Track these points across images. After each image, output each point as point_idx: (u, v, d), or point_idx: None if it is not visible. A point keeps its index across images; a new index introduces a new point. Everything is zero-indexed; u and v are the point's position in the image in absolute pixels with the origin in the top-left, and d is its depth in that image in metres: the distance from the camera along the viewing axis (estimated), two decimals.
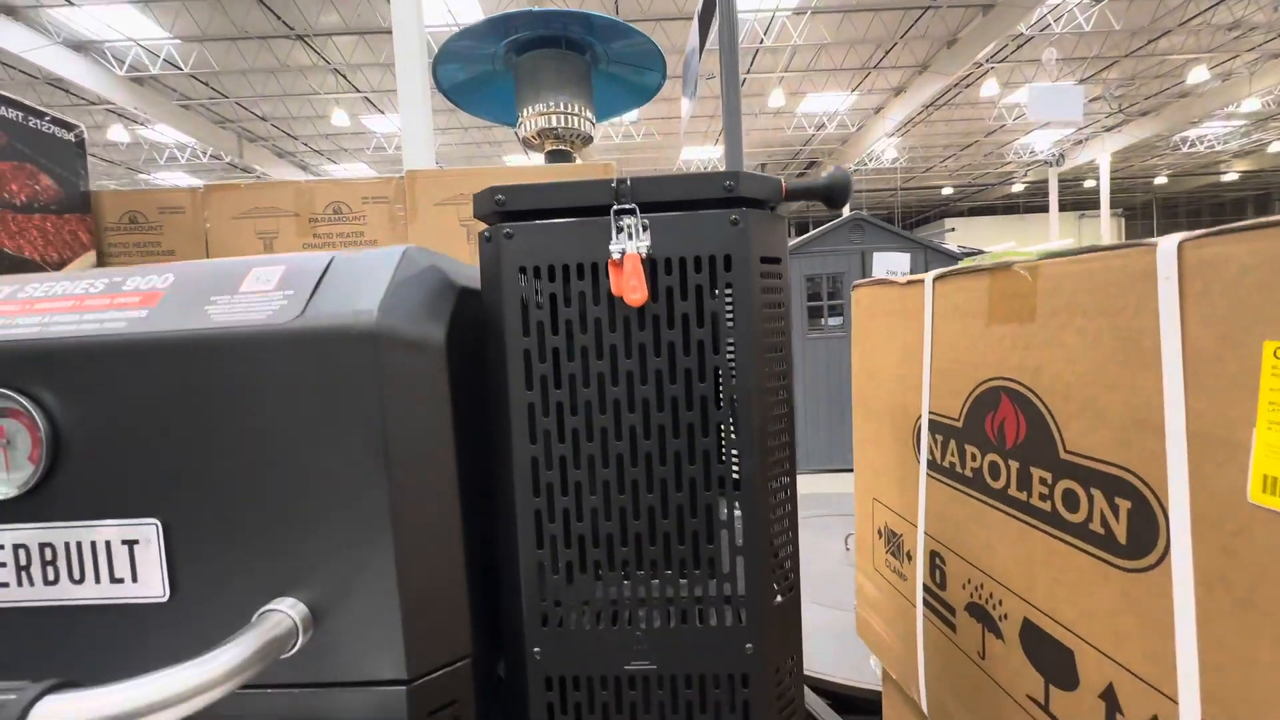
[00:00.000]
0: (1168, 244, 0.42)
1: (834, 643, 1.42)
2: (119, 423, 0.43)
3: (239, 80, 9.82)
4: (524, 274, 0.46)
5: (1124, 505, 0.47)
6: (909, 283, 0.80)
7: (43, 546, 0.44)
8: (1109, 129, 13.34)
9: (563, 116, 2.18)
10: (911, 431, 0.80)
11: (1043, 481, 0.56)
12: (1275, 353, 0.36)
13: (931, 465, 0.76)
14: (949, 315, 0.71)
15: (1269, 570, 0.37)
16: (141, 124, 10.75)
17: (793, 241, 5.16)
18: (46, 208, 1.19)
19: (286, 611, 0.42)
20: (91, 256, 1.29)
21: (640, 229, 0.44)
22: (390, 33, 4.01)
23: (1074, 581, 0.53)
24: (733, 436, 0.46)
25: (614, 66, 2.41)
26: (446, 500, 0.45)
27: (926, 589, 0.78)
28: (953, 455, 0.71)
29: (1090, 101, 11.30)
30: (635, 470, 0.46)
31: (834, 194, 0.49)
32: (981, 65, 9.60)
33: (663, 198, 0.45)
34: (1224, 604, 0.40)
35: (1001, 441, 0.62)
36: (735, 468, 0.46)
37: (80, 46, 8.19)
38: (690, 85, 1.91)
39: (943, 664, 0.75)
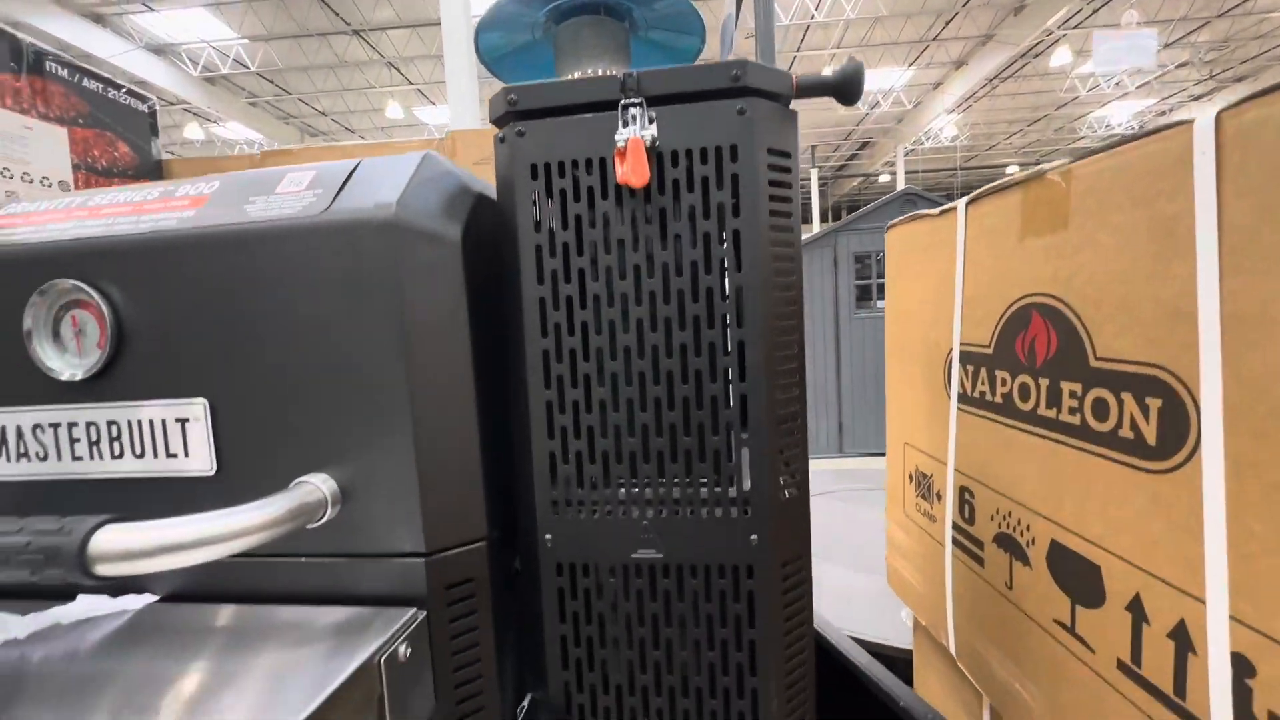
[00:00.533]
0: (1204, 117, 0.40)
1: (871, 606, 1.40)
2: (171, 312, 0.47)
3: (300, 77, 10.28)
4: (535, 172, 0.47)
5: (1154, 405, 0.45)
6: (943, 212, 0.77)
7: (109, 424, 0.49)
8: (1197, 98, 12.28)
9: None
10: (943, 367, 0.78)
11: (1073, 395, 0.54)
12: None
13: (962, 398, 0.73)
14: (981, 238, 0.68)
15: None
16: (214, 122, 11.42)
17: (841, 220, 5.02)
18: (124, 173, 1.29)
19: (318, 485, 0.45)
20: None
21: (646, 119, 0.45)
22: (440, 24, 4.11)
23: (1102, 493, 0.50)
24: (739, 328, 0.46)
25: (653, 32, 2.40)
26: (462, 387, 0.48)
27: (956, 527, 0.76)
28: (983, 384, 0.68)
29: (1176, 68, 10.43)
30: (642, 363, 0.47)
31: (846, 87, 0.48)
32: (1052, 33, 8.99)
33: (672, 90, 0.46)
34: (1254, 492, 0.37)
35: (1032, 361, 0.59)
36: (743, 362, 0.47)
37: (160, 50, 8.77)
38: (727, 47, 1.89)
39: (971, 602, 0.73)
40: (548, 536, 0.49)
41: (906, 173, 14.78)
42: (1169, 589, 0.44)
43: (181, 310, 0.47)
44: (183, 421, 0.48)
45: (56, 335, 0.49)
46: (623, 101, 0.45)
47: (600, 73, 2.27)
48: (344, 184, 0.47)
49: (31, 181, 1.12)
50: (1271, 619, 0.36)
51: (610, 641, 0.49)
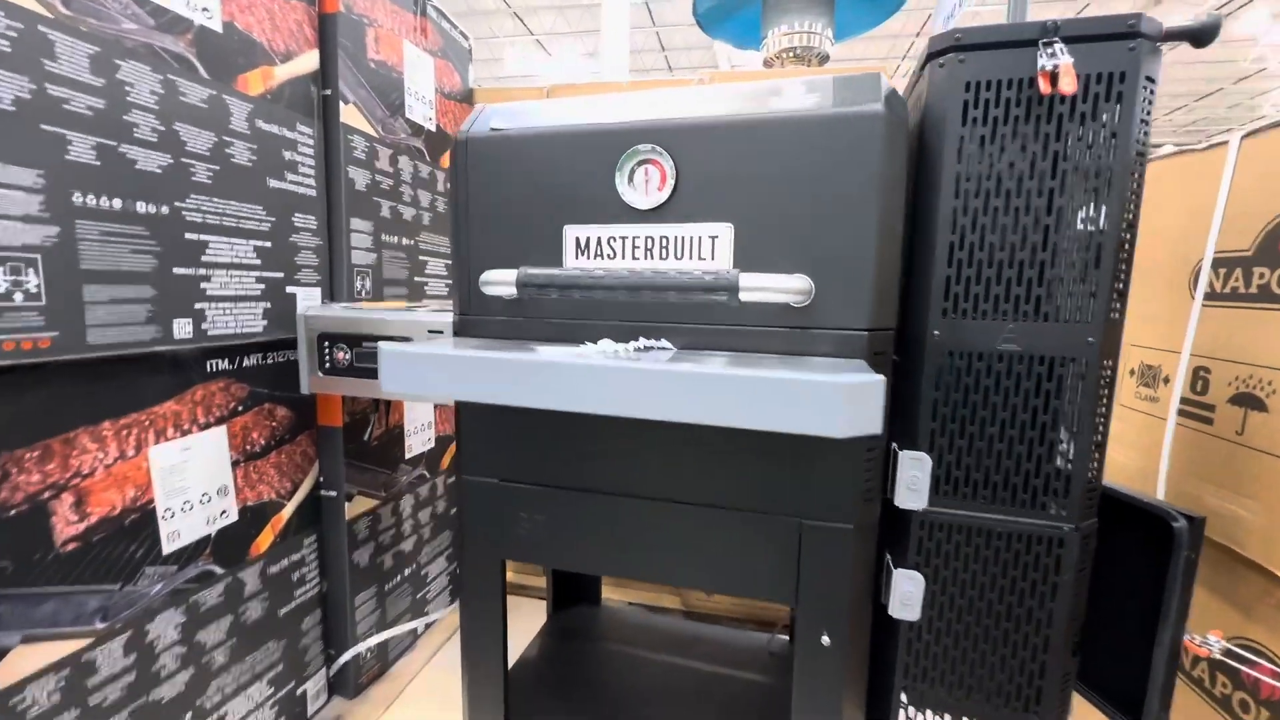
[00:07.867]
0: None
1: None
2: (709, 167, 0.76)
3: None
4: (969, 88, 0.71)
5: None
6: (1209, 147, 0.94)
7: (663, 238, 0.79)
8: None
9: (804, 35, 2.36)
10: (1190, 273, 0.96)
11: None
12: None
13: (1209, 296, 0.92)
14: (1249, 166, 0.86)
15: None
16: None
17: None
18: (452, 96, 1.64)
19: (807, 279, 0.73)
20: None
21: (1064, 51, 0.67)
22: None
23: None
24: None
25: None
26: (895, 228, 0.73)
27: (1184, 400, 0.96)
28: (1236, 281, 0.87)
29: None
30: (1012, 235, 0.71)
31: (1203, 34, 0.68)
32: None
33: (1083, 32, 0.68)
34: None
35: None
36: None
37: None
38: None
39: (1191, 454, 0.94)
40: (936, 332, 0.75)
41: None
42: None
43: (716, 166, 0.75)
44: (713, 238, 0.77)
45: (631, 181, 0.79)
46: (1042, 40, 0.68)
47: (806, 25, 2.47)
48: (835, 92, 0.73)
49: (417, 97, 1.48)
50: None
51: (970, 405, 0.75)
